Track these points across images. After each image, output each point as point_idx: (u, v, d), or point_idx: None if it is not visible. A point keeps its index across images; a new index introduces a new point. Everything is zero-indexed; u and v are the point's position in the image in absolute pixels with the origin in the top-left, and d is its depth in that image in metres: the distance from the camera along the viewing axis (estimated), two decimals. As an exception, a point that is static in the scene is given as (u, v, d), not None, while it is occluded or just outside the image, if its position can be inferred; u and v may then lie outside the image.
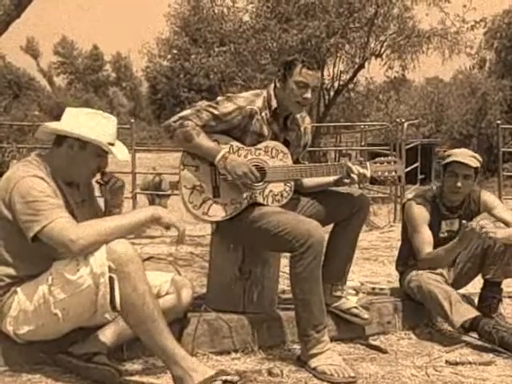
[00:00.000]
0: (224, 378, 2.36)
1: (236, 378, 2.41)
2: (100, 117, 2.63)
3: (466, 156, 3.51)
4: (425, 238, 3.48)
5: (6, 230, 2.49)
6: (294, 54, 3.01)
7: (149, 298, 2.37)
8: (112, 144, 2.62)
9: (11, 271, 2.51)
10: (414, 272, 3.48)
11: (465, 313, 3.24)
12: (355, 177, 3.01)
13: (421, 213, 3.54)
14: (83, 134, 2.54)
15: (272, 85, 3.07)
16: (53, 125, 2.63)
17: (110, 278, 2.35)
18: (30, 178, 2.44)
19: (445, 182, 3.56)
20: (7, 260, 2.51)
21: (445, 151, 20.43)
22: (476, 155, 3.55)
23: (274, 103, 3.02)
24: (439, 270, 3.45)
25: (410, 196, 3.71)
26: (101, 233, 2.38)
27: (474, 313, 3.26)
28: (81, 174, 2.63)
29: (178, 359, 2.36)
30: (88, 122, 2.57)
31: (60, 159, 2.58)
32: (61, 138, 2.59)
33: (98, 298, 2.38)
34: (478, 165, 3.51)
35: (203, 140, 2.93)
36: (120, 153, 2.65)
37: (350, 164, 3.04)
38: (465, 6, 14.27)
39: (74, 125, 2.57)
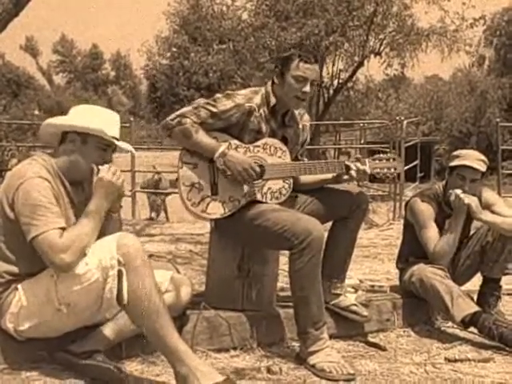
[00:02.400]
0: None
1: None
2: (103, 111, 2.64)
3: (475, 160, 3.43)
4: (433, 233, 3.47)
5: (7, 228, 2.49)
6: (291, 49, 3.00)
7: (155, 293, 2.38)
8: (116, 139, 2.60)
9: (12, 268, 2.51)
10: (416, 266, 3.49)
11: (465, 308, 3.24)
12: (354, 173, 3.02)
13: (427, 209, 3.52)
14: (82, 125, 2.52)
15: (270, 82, 3.07)
16: (53, 120, 2.62)
17: (119, 272, 2.36)
18: (36, 180, 2.42)
19: (451, 183, 3.49)
20: (8, 257, 2.51)
21: (444, 149, 20.47)
22: (484, 158, 3.47)
23: (273, 100, 3.02)
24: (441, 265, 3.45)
25: (411, 194, 3.71)
26: (82, 245, 2.39)
27: (474, 308, 3.26)
28: (85, 170, 2.59)
29: (183, 356, 2.34)
30: (89, 116, 2.57)
31: (64, 157, 2.56)
32: (64, 136, 2.58)
33: (105, 292, 2.38)
34: (485, 168, 3.46)
35: (202, 136, 2.94)
36: (124, 145, 2.65)
37: (348, 162, 3.05)
38: (464, 4, 14.26)
39: (74, 118, 2.57)
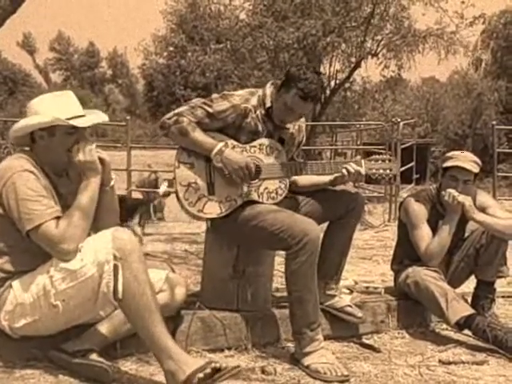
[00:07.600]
0: (213, 365, 2.35)
1: (224, 364, 2.40)
2: (52, 98, 2.61)
3: (468, 161, 3.44)
4: (425, 234, 3.47)
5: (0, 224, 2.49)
6: (300, 67, 2.95)
7: (148, 289, 2.39)
8: (81, 116, 2.57)
9: (6, 265, 2.51)
10: (411, 268, 3.49)
11: (460, 310, 3.24)
12: (350, 174, 3.01)
13: (420, 210, 3.53)
14: (33, 123, 2.52)
15: (269, 84, 3.07)
16: (14, 126, 2.60)
17: (115, 266, 2.36)
18: (24, 173, 2.44)
19: (444, 184, 3.49)
20: (2, 254, 2.51)
21: (440, 151, 20.50)
22: (476, 159, 3.48)
23: (268, 102, 3.02)
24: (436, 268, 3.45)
25: (406, 195, 3.71)
26: (83, 229, 2.44)
27: (469, 310, 3.26)
28: (62, 159, 2.58)
29: (171, 353, 2.35)
30: (41, 109, 2.55)
31: (40, 153, 2.56)
32: (32, 135, 2.58)
33: (101, 287, 2.38)
34: (478, 170, 3.47)
35: (199, 135, 2.94)
36: (95, 116, 2.64)
37: (344, 163, 3.05)
38: (463, 3, 14.23)
39: (29, 119, 2.56)
